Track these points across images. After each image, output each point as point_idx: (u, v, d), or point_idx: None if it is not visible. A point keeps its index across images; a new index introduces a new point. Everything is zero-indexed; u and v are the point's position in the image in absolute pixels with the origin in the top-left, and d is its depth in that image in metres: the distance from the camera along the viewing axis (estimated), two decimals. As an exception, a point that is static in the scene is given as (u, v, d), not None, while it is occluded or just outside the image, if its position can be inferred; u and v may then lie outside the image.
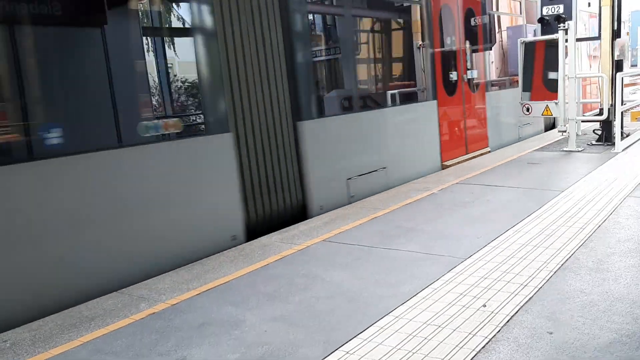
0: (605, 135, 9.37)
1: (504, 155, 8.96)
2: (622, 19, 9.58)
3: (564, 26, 8.67)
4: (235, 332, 3.29)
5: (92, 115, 4.59)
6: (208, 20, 5.05)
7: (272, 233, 5.37)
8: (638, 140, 9.51)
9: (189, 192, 4.85)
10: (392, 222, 5.44)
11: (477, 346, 2.90)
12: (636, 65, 15.36)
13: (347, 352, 2.95)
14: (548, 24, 9.25)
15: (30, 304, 3.80)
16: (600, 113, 9.48)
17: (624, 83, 11.18)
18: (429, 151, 8.40)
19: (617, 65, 9.20)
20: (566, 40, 8.72)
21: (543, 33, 9.33)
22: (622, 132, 9.04)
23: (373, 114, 7.40)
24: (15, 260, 3.75)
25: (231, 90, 5.23)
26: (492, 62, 10.47)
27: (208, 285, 4.07)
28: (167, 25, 5.56)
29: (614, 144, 8.84)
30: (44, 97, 4.46)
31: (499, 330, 3.05)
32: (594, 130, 9.94)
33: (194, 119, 5.26)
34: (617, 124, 8.84)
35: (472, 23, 9.69)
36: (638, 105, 11.88)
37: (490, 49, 10.36)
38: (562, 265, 3.95)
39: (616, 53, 9.15)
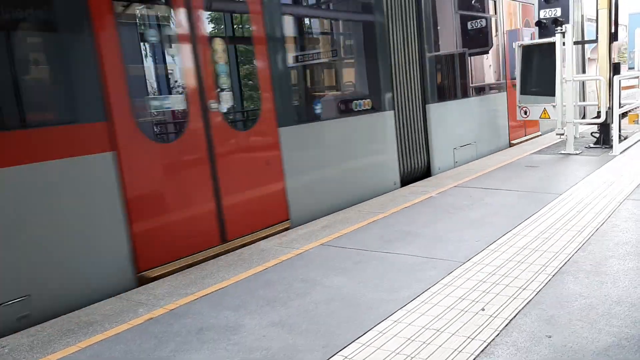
0: (603, 138, 9.38)
1: (502, 158, 8.97)
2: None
3: (562, 29, 8.69)
4: (234, 337, 3.29)
5: (341, 97, 7.51)
6: (385, 37, 7.34)
7: (271, 237, 5.38)
8: (636, 142, 9.52)
9: (377, 147, 7.29)
10: (391, 226, 5.44)
11: (475, 350, 2.90)
12: (633, 68, 15.37)
13: (346, 357, 2.95)
14: (545, 27, 9.29)
15: (326, 203, 6.28)
16: (598, 116, 9.50)
17: (628, 85, 11.31)
18: (502, 131, 10.59)
19: (615, 68, 9.22)
20: (563, 44, 8.74)
21: (541, 36, 9.37)
22: (619, 135, 9.06)
23: (469, 101, 9.55)
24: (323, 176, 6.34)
25: (391, 80, 7.48)
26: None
27: (206, 290, 4.07)
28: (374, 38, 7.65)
29: (611, 146, 8.85)
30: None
31: (497, 334, 3.05)
32: (591, 133, 9.94)
33: (376, 100, 7.34)
34: (614, 126, 8.86)
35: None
36: (636, 108, 11.90)
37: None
38: (560, 268, 3.95)
39: (613, 56, 9.17)
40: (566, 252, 4.26)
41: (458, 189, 6.90)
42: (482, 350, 2.89)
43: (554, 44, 8.79)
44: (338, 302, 3.69)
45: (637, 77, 13.38)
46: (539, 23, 9.48)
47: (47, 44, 4.17)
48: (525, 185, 6.85)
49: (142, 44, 4.69)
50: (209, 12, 4.99)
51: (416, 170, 8.13)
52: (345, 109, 6.97)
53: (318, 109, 6.69)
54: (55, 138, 3.91)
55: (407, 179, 7.82)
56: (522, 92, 9.54)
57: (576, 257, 4.15)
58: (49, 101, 4.26)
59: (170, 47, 4.73)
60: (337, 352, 3.00)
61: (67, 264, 4.01)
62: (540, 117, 9.30)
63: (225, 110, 5.16)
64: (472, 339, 3.02)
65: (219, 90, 5.06)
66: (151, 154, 4.56)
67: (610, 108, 8.98)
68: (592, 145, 9.50)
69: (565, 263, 4.05)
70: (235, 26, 5.63)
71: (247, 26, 5.43)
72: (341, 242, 5.04)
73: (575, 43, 9.66)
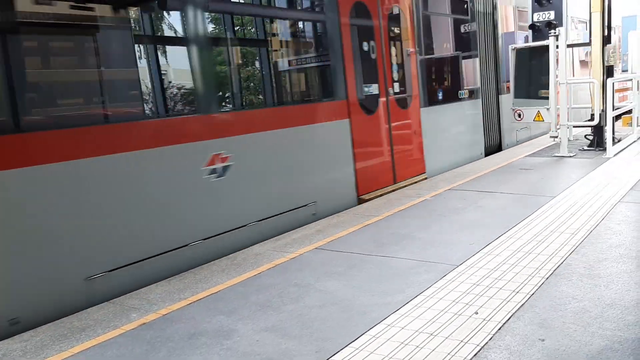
0: (597, 141, 9.41)
1: (496, 161, 8.99)
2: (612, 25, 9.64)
3: (555, 32, 8.71)
4: (227, 342, 3.27)
5: (452, 87, 9.61)
6: (477, 41, 9.94)
7: (265, 241, 5.37)
8: (629, 145, 9.55)
9: (472, 124, 9.73)
10: (385, 229, 5.44)
11: (468, 354, 2.89)
12: (627, 71, 15.42)
13: (339, 362, 2.94)
14: (539, 31, 9.31)
15: (445, 163, 8.76)
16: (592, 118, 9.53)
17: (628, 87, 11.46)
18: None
19: (608, 71, 9.25)
20: (557, 47, 8.77)
21: (534, 39, 9.39)
22: (613, 137, 9.08)
23: None
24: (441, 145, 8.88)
25: (480, 76, 9.99)
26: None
27: (199, 295, 4.05)
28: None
29: (605, 149, 8.88)
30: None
31: (490, 338, 3.05)
32: (585, 136, 9.98)
33: (471, 90, 9.79)
34: (608, 129, 8.88)
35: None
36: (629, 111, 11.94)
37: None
38: (554, 271, 3.96)
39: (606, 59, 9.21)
40: (560, 255, 4.27)
41: (452, 192, 6.90)
42: (475, 354, 2.89)
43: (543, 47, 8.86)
44: (331, 306, 3.68)
45: (631, 80, 13.42)
46: (532, 26, 9.49)
47: (331, 62, 6.67)
48: (519, 188, 6.86)
49: (359, 51, 7.13)
50: (391, 29, 7.74)
51: (492, 146, 10.58)
52: (455, 96, 9.34)
53: (440, 95, 9.00)
54: (317, 109, 6.54)
55: (487, 152, 10.23)
56: (516, 96, 9.58)
57: (570, 260, 4.16)
58: (328, 87, 6.79)
59: (373, 52, 7.25)
60: (330, 357, 2.99)
61: (330, 184, 6.48)
62: (534, 120, 9.32)
63: (396, 95, 7.73)
64: (466, 343, 3.01)
65: (393, 81, 7.66)
66: (363, 121, 7.06)
67: (604, 110, 9.01)
68: (586, 147, 9.52)
69: (559, 266, 4.05)
70: (401, 39, 8.01)
71: (407, 39, 8.10)
72: (335, 245, 5.04)
73: (569, 46, 9.70)
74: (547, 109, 8.96)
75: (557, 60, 8.79)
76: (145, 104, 5.06)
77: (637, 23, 11.79)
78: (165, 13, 5.19)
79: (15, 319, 3.72)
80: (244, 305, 3.81)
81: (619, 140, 9.64)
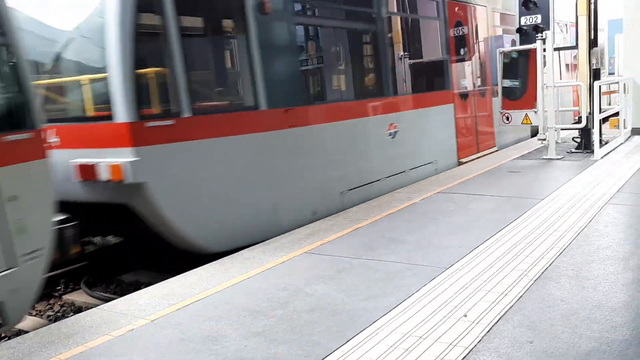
0: (585, 143, 9.47)
1: (484, 164, 9.03)
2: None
3: (542, 36, 8.77)
4: (215, 348, 3.26)
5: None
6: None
7: (255, 245, 5.35)
8: (616, 147, 9.62)
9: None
10: (375, 233, 5.44)
11: (457, 357, 2.90)
12: (613, 74, 15.55)
13: (328, 366, 2.94)
14: (526, 34, 9.36)
15: (507, 141, 11.38)
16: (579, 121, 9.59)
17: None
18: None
19: (595, 74, 9.32)
20: (544, 50, 8.82)
21: (522, 43, 9.45)
22: (600, 140, 9.15)
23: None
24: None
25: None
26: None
27: (188, 300, 4.03)
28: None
29: (592, 151, 8.94)
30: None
31: (479, 341, 3.06)
32: (573, 138, 10.04)
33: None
34: (595, 131, 8.94)
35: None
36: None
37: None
38: (542, 273, 3.98)
39: (593, 61, 9.28)
40: (548, 257, 4.29)
41: (441, 195, 6.92)
42: (464, 357, 2.89)
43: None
44: (321, 310, 3.68)
45: (617, 83, 13.54)
46: (519, 30, 9.54)
47: (444, 63, 9.31)
48: (507, 191, 6.89)
49: (458, 55, 9.68)
50: (477, 39, 10.27)
51: (534, 129, 11.70)
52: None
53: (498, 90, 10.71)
54: (437, 96, 9.10)
55: (531, 135, 11.97)
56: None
57: (558, 262, 4.18)
58: (439, 81, 9.35)
59: (465, 56, 9.75)
60: (320, 361, 2.99)
61: (443, 149, 9.11)
62: (522, 123, 9.37)
63: (478, 87, 10.25)
64: (455, 346, 3.02)
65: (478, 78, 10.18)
66: (460, 105, 9.57)
67: (591, 113, 9.07)
68: (573, 150, 9.58)
69: (547, 268, 4.07)
70: (473, 50, 10.30)
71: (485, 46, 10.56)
72: (325, 249, 5.03)
73: (556, 49, 9.78)
74: (535, 112, 9.01)
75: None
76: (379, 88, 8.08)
77: (624, 26, 11.86)
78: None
79: (315, 211, 6.37)
80: (233, 310, 3.79)
81: (606, 143, 9.71)
